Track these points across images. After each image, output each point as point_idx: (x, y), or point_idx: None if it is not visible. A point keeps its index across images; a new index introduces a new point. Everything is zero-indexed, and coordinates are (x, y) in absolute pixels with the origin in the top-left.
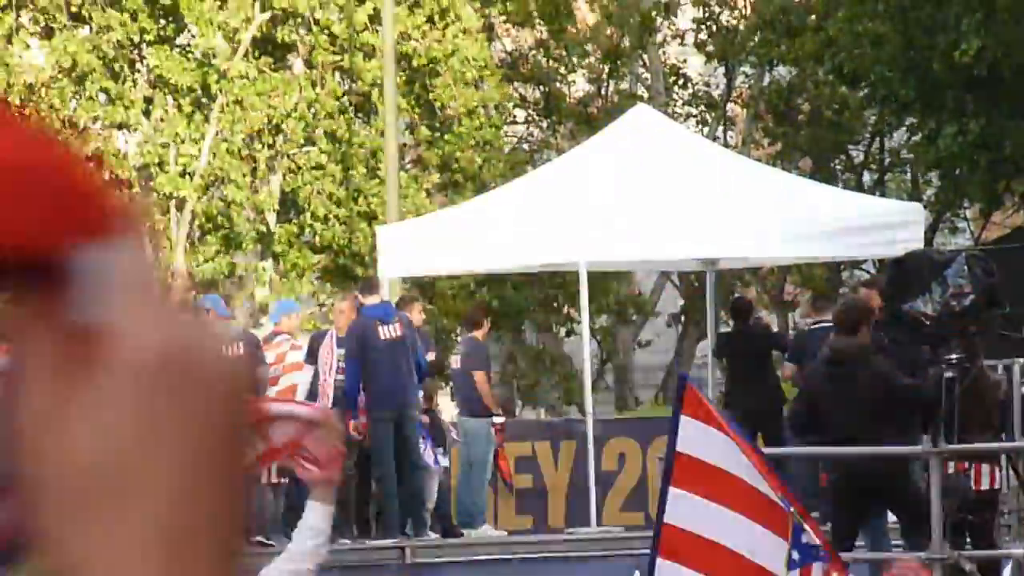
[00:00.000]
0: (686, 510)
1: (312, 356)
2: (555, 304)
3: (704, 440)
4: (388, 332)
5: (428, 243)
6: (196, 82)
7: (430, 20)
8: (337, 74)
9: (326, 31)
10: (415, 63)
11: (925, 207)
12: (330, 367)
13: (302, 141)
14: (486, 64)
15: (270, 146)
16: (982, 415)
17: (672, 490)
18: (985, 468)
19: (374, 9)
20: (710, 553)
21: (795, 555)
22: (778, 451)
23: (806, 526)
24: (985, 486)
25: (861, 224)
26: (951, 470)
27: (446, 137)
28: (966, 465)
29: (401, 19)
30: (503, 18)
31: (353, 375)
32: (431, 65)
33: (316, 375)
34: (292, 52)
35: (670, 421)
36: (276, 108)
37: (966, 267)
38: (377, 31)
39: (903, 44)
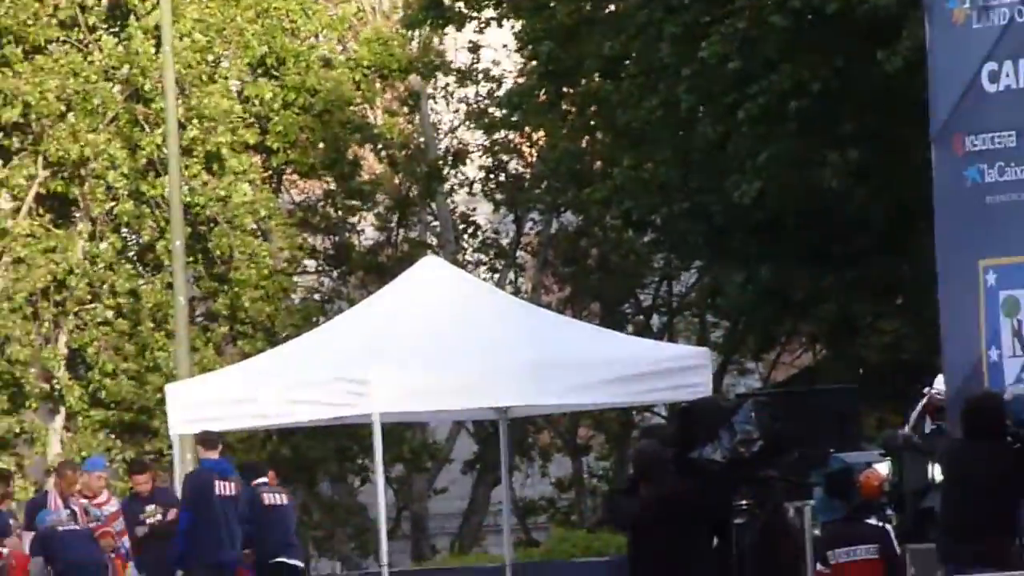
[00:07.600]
0: None
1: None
2: (348, 453)
3: None
4: (224, 489)
5: (217, 398)
6: None
7: (207, 168)
8: (123, 227)
9: (102, 181)
10: (194, 212)
11: (714, 349)
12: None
13: (88, 297)
14: (271, 215)
15: (56, 303)
16: (773, 563)
17: None
18: None
19: (147, 159)
20: None
21: None
22: None
23: None
24: None
25: (651, 370)
26: None
27: (230, 285)
28: None
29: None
30: (289, 169)
31: (187, 527)
32: (204, 211)
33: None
34: (75, 206)
35: None
36: (59, 264)
37: (752, 413)
38: (154, 183)
39: (688, 190)
